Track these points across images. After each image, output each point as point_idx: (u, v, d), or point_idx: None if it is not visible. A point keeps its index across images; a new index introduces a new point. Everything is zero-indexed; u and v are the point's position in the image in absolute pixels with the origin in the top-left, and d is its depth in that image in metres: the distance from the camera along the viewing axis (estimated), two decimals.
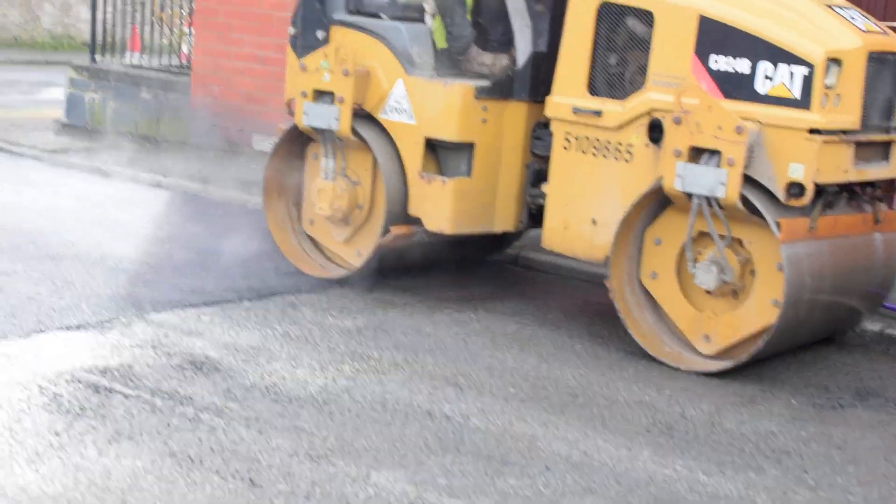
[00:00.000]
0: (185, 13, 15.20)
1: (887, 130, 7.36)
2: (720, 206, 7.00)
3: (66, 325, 6.97)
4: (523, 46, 8.05)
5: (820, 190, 7.06)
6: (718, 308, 7.26)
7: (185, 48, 15.28)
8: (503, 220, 8.15)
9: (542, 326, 7.83)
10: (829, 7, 7.35)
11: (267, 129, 12.74)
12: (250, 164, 12.29)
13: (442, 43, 8.21)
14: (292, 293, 8.10)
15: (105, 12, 15.06)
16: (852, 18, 7.32)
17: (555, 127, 7.72)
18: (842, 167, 7.03)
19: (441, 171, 8.08)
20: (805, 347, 7.69)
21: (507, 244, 9.25)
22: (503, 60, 8.17)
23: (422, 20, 8.20)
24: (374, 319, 7.64)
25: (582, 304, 8.51)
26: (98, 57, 15.07)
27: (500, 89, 7.97)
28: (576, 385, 6.71)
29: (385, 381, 6.45)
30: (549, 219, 7.79)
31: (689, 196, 7.05)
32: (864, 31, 7.20)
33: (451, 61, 8.26)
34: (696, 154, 7.03)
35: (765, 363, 7.34)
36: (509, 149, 8.05)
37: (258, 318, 7.46)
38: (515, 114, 8.02)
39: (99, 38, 15.09)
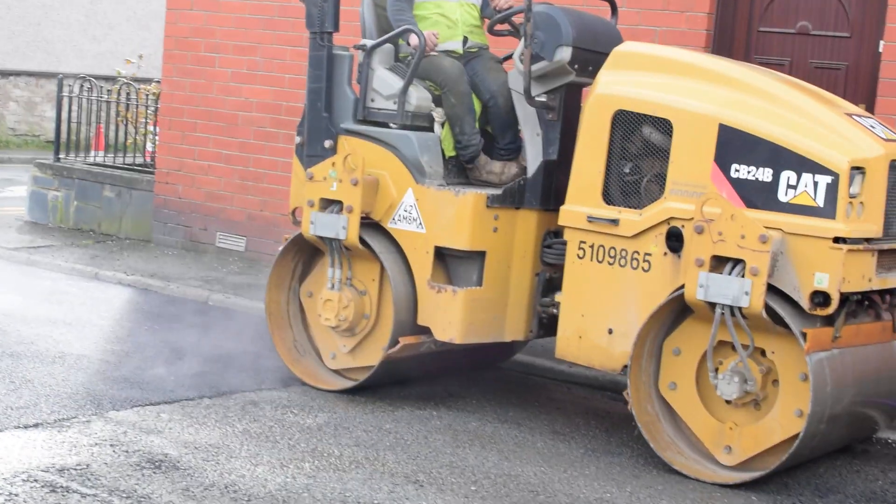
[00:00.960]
0: (150, 112, 15.27)
1: None
2: (744, 316, 6.90)
3: (23, 424, 6.95)
4: (534, 155, 7.98)
5: (844, 299, 6.97)
6: (740, 419, 7.15)
7: (149, 146, 15.32)
8: (514, 329, 8.03)
9: (504, 423, 7.82)
10: (850, 116, 7.33)
11: (231, 227, 12.93)
12: (213, 262, 12.39)
13: (450, 151, 8.19)
14: (252, 390, 8.10)
15: (70, 111, 15.11)
16: (872, 127, 7.29)
17: (569, 235, 7.61)
18: (866, 276, 6.97)
19: (450, 281, 7.99)
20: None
21: (516, 350, 9.15)
22: (512, 169, 8.15)
23: (431, 129, 8.16)
24: (335, 416, 7.62)
25: (544, 400, 8.50)
26: (62, 155, 15.08)
27: (512, 198, 7.91)
28: (537, 482, 6.70)
29: (345, 479, 6.43)
30: (563, 328, 7.65)
31: (712, 306, 6.96)
32: (884, 140, 7.18)
33: (459, 169, 8.23)
34: (718, 263, 6.96)
35: None
36: (520, 258, 7.97)
37: (218, 416, 7.45)
38: (526, 222, 7.96)
39: (63, 136, 15.11)
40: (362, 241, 7.99)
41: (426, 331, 7.96)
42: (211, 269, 12.06)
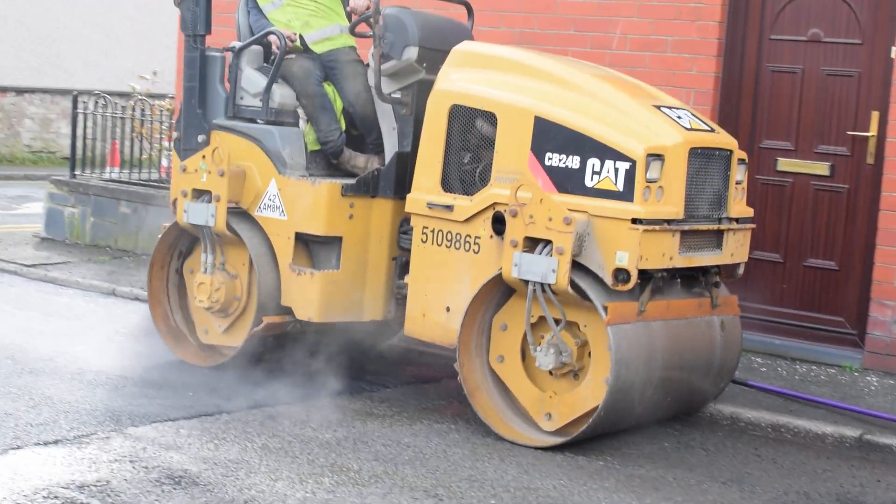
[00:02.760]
0: (164, 127, 15.33)
1: (719, 220, 7.95)
2: (554, 292, 7.50)
3: (43, 441, 6.93)
4: (389, 147, 8.61)
5: (649, 276, 7.58)
6: (559, 388, 7.74)
7: (164, 162, 15.40)
8: (372, 310, 8.62)
9: None
10: (657, 107, 7.91)
11: None
12: None
13: (313, 146, 8.79)
14: (272, 405, 8.07)
15: (85, 127, 15.19)
16: (678, 118, 7.86)
17: (414, 221, 8.23)
18: (667, 254, 7.57)
19: (313, 265, 8.61)
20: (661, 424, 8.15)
21: (392, 333, 9.59)
22: (375, 162, 8.74)
23: (296, 124, 8.78)
24: (354, 431, 7.64)
25: None
26: (78, 172, 15.16)
27: (367, 187, 8.51)
28: (557, 495, 6.72)
29: (365, 494, 6.44)
30: (410, 308, 8.26)
31: (526, 283, 7.52)
32: (687, 129, 7.74)
33: (327, 163, 8.84)
34: (532, 244, 7.56)
35: (744, 469, 7.34)
36: (377, 243, 8.56)
37: (237, 431, 7.44)
38: (382, 210, 8.54)
39: (79, 152, 15.23)
40: (230, 227, 8.62)
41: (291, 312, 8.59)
42: None
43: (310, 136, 8.79)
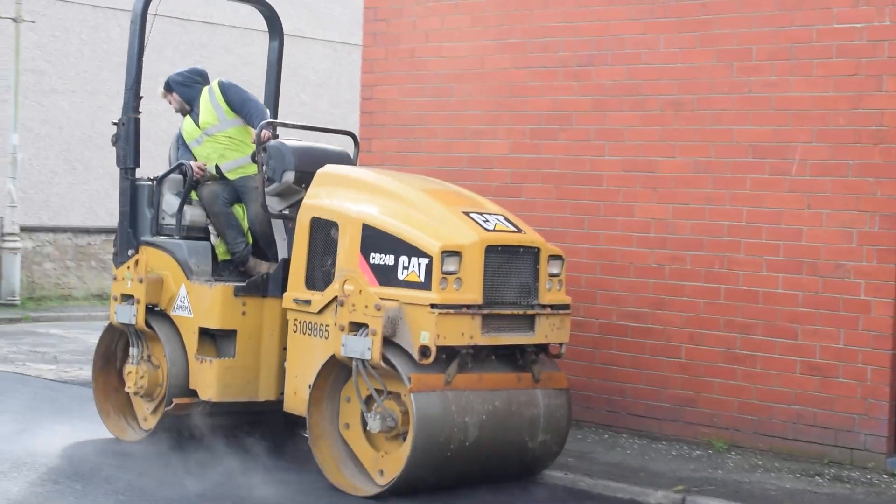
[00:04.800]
0: None
1: (531, 307, 9.47)
2: (373, 367, 9.08)
3: None
4: (280, 255, 10.49)
5: (455, 352, 9.12)
6: (390, 448, 9.28)
7: None
8: (266, 390, 10.32)
9: None
10: (466, 213, 9.50)
11: None
12: None
13: (224, 256, 10.71)
14: None
15: None
16: (485, 221, 9.46)
17: (289, 316, 9.95)
18: (467, 334, 9.12)
19: (218, 354, 10.34)
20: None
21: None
22: (275, 268, 10.47)
23: (207, 238, 10.71)
24: None
25: None
26: None
27: (257, 289, 10.29)
28: None
29: None
30: (287, 387, 9.94)
31: (353, 360, 9.15)
32: (488, 230, 9.31)
33: (234, 269, 10.69)
34: (356, 328, 9.17)
35: None
36: (268, 334, 10.29)
37: None
38: (272, 307, 10.26)
39: None
40: (148, 325, 10.46)
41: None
42: None
43: (220, 248, 10.72)
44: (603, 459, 10.36)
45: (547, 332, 9.61)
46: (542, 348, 9.73)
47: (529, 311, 9.47)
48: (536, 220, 11.68)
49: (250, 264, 10.70)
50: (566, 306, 9.79)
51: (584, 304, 11.62)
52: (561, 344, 9.78)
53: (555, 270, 9.69)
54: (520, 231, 9.63)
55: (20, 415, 11.54)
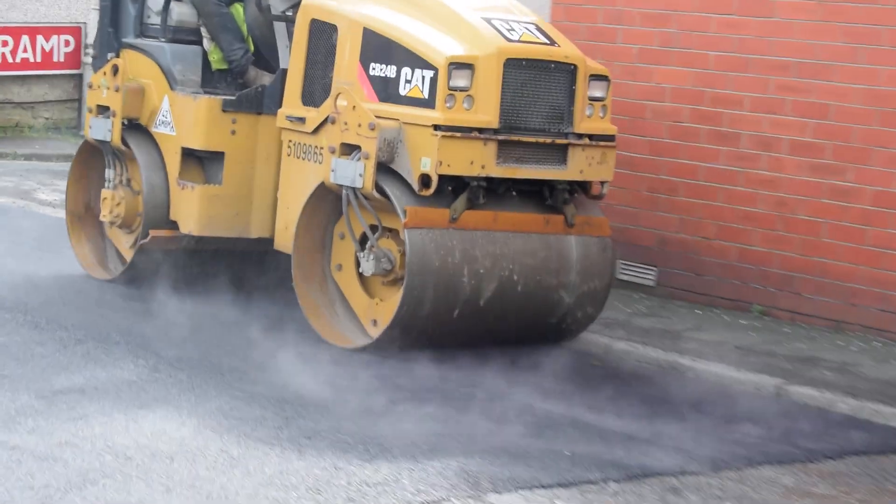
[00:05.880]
0: None
1: (562, 135, 7.87)
2: (366, 198, 7.64)
3: None
4: (280, 65, 8.74)
5: (465, 184, 7.67)
6: (386, 295, 7.87)
7: None
8: (259, 226, 8.77)
9: None
10: (487, 20, 7.89)
11: (637, 254, 10.09)
12: (615, 299, 9.37)
13: (218, 65, 9.02)
14: (674, 474, 6.19)
15: None
16: (509, 29, 7.85)
17: (282, 136, 8.44)
18: (477, 162, 7.62)
19: (206, 180, 8.82)
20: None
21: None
22: (273, 79, 8.85)
23: (199, 43, 9.04)
24: None
25: None
26: None
27: (249, 104, 8.69)
28: None
29: None
30: (278, 221, 8.48)
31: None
32: (511, 41, 7.74)
33: (232, 82, 9.04)
34: (349, 151, 7.70)
35: None
36: (264, 159, 8.72)
37: None
38: (269, 127, 8.66)
39: None
40: (125, 142, 8.91)
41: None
42: (612, 308, 9.15)
43: (215, 54, 9.06)
44: (872, 375, 8.14)
45: (583, 166, 8.02)
46: (581, 187, 8.18)
47: (560, 140, 7.89)
48: None
49: (250, 75, 9.07)
50: (610, 137, 8.17)
51: None
52: (602, 183, 8.20)
53: (598, 93, 8.08)
54: (552, 43, 8.00)
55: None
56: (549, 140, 7.84)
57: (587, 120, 8.00)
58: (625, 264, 10.00)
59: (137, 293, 8.87)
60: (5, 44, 16.58)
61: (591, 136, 8.00)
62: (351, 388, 7.11)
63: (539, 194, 8.05)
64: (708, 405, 7.35)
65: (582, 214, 8.13)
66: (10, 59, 16.64)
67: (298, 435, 6.18)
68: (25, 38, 16.68)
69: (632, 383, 7.83)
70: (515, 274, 7.85)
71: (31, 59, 16.52)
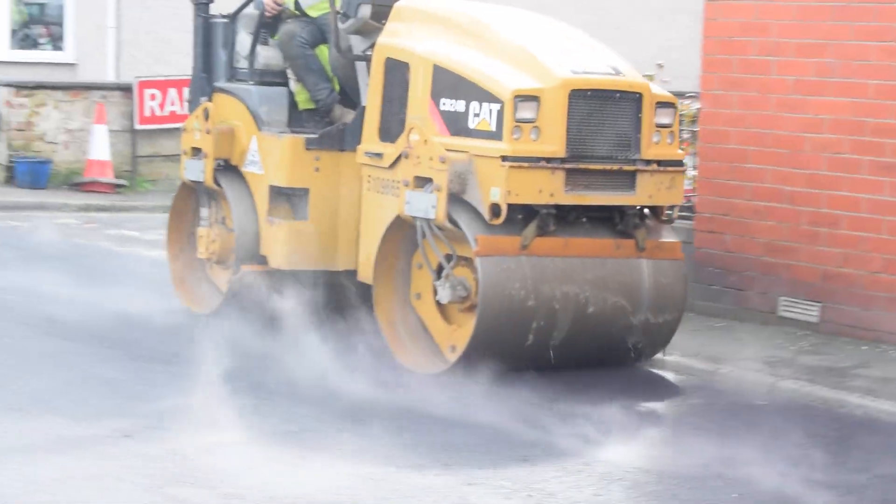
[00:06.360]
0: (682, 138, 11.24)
1: (629, 161, 8.13)
2: (440, 228, 7.95)
3: None
4: (362, 102, 9.05)
5: (535, 212, 7.95)
6: (463, 321, 8.12)
7: (685, 184, 11.63)
8: (346, 258, 9.04)
9: None
10: (552, 52, 8.19)
11: (799, 290, 9.68)
12: (776, 337, 9.40)
13: (305, 105, 9.35)
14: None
15: None
16: (574, 61, 8.12)
17: (362, 171, 8.74)
18: (545, 191, 7.91)
19: (292, 217, 9.13)
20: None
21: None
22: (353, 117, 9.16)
23: (286, 84, 9.38)
24: None
25: None
26: None
27: (331, 141, 9.02)
28: None
29: None
30: (360, 254, 8.76)
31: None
32: (575, 73, 8.00)
33: (320, 120, 9.34)
34: (422, 183, 8.04)
35: None
36: (347, 194, 9.02)
37: None
38: (350, 162, 8.96)
39: None
40: (217, 182, 9.29)
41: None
42: (774, 346, 9.05)
43: (301, 95, 9.37)
44: None
45: (651, 191, 8.26)
46: (653, 212, 8.43)
47: (627, 167, 8.14)
48: None
49: (336, 113, 9.36)
50: (678, 163, 8.41)
51: None
52: (672, 207, 8.48)
53: (665, 120, 8.31)
54: (617, 73, 8.25)
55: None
56: (616, 167, 8.09)
57: (654, 146, 8.22)
58: (787, 300, 9.69)
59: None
60: (153, 97, 16.96)
61: (659, 162, 8.23)
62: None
63: (610, 220, 8.29)
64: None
65: (653, 239, 8.34)
66: (157, 112, 17.01)
67: (458, 482, 6.25)
68: (173, 91, 16.96)
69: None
70: (587, 297, 8.08)
71: (179, 112, 16.59)
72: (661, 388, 8.55)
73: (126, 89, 16.93)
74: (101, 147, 16.22)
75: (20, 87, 16.59)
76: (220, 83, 9.62)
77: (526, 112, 7.84)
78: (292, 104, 9.38)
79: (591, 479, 6.32)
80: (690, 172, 10.55)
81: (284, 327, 8.89)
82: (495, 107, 7.88)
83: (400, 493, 6.03)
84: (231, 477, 6.09)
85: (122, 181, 16.54)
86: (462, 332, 8.08)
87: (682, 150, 10.46)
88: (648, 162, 8.18)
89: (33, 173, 16.17)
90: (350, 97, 9.37)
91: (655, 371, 8.65)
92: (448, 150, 7.90)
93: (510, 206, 7.82)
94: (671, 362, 8.75)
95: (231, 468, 6.21)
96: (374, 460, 6.43)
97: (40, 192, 15.93)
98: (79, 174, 16.42)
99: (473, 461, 6.57)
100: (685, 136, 10.81)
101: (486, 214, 7.84)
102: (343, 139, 9.01)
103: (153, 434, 6.67)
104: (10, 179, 16.34)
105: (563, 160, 7.92)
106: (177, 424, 6.83)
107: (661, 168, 8.23)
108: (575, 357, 8.24)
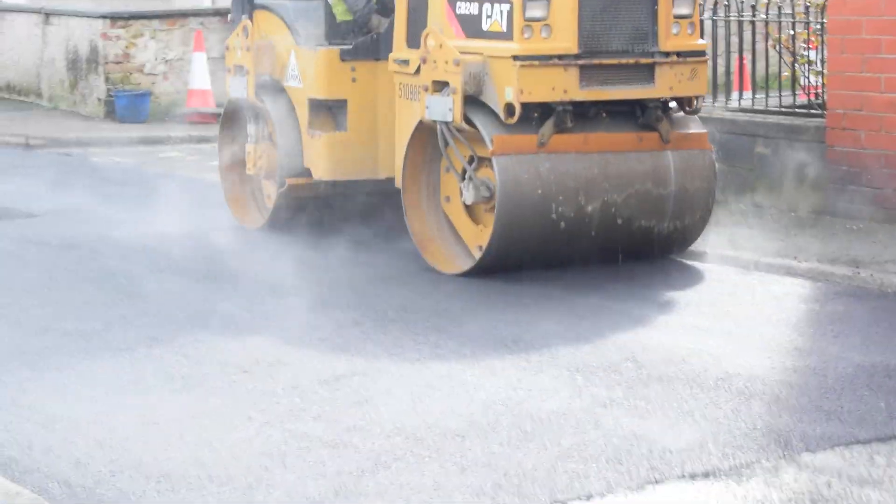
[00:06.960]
0: (813, 30, 10.93)
1: (647, 54, 8.17)
2: (458, 130, 8.08)
3: (688, 473, 5.25)
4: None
5: (551, 109, 8.04)
6: (490, 221, 8.23)
7: (814, 79, 11.25)
8: (386, 167, 9.21)
9: None
10: None
11: None
12: None
13: (343, 16, 9.44)
14: None
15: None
16: None
17: (394, 79, 8.87)
18: (559, 88, 7.99)
19: (335, 128, 9.32)
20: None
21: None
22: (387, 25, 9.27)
23: None
24: None
25: None
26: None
27: (366, 51, 9.17)
28: None
29: None
30: (396, 160, 8.87)
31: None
32: None
33: (358, 31, 9.45)
34: (440, 87, 8.17)
35: None
36: (385, 103, 9.14)
37: None
38: (386, 72, 9.07)
39: None
40: (260, 98, 9.47)
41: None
42: None
43: (339, 6, 9.47)
44: None
45: (672, 83, 8.30)
46: (678, 103, 8.46)
47: (644, 60, 8.18)
48: None
49: (373, 23, 9.48)
50: (700, 52, 8.42)
51: None
52: (696, 97, 8.44)
53: (683, 11, 8.31)
54: None
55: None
56: (632, 60, 8.13)
57: (673, 38, 8.24)
58: None
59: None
60: None
61: (678, 54, 8.24)
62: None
63: (632, 115, 8.34)
64: None
65: (679, 130, 8.37)
66: None
67: (593, 404, 5.96)
68: None
69: None
70: (612, 190, 8.17)
71: None
72: (796, 296, 7.98)
73: (224, 14, 16.72)
74: (201, 76, 16.26)
75: (115, 17, 16.67)
76: (260, 0, 9.79)
77: (536, 11, 7.94)
78: (331, 17, 9.51)
79: (728, 395, 6.09)
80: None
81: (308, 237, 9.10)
82: (505, 7, 7.99)
83: (535, 419, 5.78)
84: (353, 409, 5.94)
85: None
86: (489, 231, 8.21)
87: (805, 44, 10.81)
88: (668, 54, 8.20)
89: (133, 107, 16.26)
90: (387, 6, 9.47)
91: (790, 278, 8.27)
92: (463, 52, 8.03)
93: (527, 105, 7.92)
94: (806, 268, 8.36)
95: (352, 401, 6.06)
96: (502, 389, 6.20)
97: (141, 126, 16.00)
98: (180, 105, 16.50)
99: (608, 384, 6.27)
100: (815, 27, 10.64)
101: (501, 114, 7.96)
102: (378, 48, 9.17)
103: (271, 369, 6.56)
104: (110, 114, 16.47)
105: (576, 56, 8.00)
106: (294, 359, 6.75)
107: (681, 59, 8.25)
108: (606, 251, 8.33)
